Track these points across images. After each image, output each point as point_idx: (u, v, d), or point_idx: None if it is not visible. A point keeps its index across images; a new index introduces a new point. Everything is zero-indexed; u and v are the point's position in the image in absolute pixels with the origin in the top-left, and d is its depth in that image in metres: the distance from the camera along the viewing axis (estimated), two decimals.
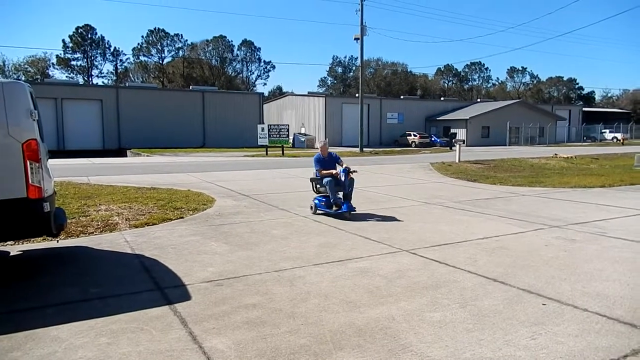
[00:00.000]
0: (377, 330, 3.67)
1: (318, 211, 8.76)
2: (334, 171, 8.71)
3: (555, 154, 25.78)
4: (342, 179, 8.50)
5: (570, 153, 27.01)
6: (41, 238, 6.42)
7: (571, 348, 3.34)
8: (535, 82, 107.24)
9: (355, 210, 8.46)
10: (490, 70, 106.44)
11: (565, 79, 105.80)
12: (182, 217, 8.33)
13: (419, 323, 3.80)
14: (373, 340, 3.49)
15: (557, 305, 4.19)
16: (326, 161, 8.97)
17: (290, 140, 39.89)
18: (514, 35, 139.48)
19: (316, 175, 8.95)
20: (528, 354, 3.27)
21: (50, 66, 79.05)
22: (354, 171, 8.78)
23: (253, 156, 29.34)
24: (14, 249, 6.23)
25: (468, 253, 5.96)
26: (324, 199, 8.73)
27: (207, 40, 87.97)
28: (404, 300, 4.32)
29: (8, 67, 72.63)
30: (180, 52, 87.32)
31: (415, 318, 3.90)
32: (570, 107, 70.42)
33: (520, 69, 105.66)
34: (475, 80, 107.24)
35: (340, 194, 8.62)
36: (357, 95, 43.12)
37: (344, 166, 8.65)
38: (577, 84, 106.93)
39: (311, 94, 59.04)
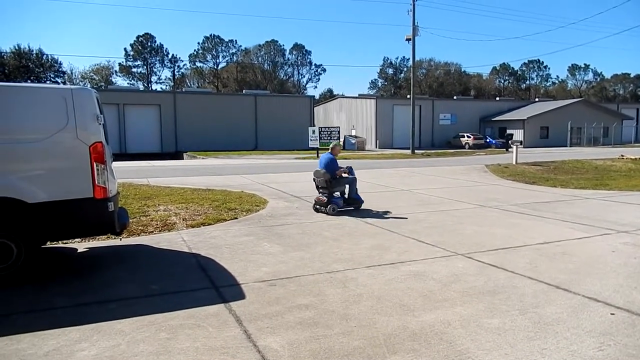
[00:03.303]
0: (432, 335, 3.59)
1: (339, 209, 9.01)
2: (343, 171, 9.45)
3: (622, 155, 24.30)
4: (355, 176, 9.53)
5: (639, 154, 25.36)
6: (105, 236, 6.76)
7: None
8: (598, 79, 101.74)
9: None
10: (549, 68, 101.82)
11: (632, 75, 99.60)
12: (236, 218, 8.51)
13: (476, 329, 3.68)
14: (428, 345, 3.41)
15: (626, 315, 3.93)
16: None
17: (341, 143, 39.92)
18: (575, 31, 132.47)
19: (333, 176, 9.16)
20: None
21: (113, 73, 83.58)
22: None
23: (304, 158, 29.60)
24: (81, 246, 6.60)
25: (527, 258, 5.72)
26: (340, 198, 9.25)
27: (259, 45, 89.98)
28: (459, 305, 4.19)
29: (75, 75, 77.39)
30: (234, 57, 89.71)
31: (472, 324, 3.78)
32: (638, 106, 66.13)
33: (583, 66, 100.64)
34: (533, 79, 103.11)
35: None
36: (408, 96, 42.58)
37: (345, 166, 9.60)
38: None
39: (362, 96, 58.83)
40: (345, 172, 9.38)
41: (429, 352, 3.31)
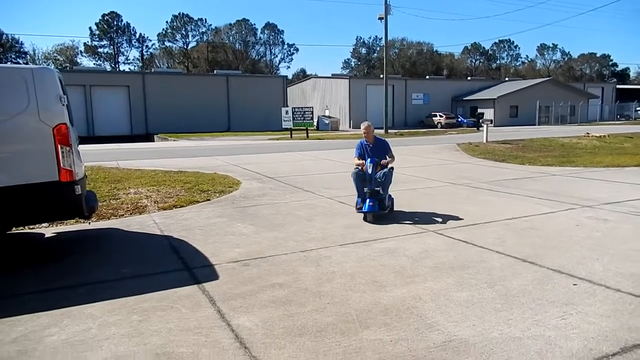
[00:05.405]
0: (403, 309, 3.67)
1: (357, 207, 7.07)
2: (363, 162, 7.13)
3: (587, 133, 25.00)
4: (369, 171, 6.88)
5: (603, 132, 26.13)
6: (74, 220, 6.61)
7: (603, 328, 3.27)
8: (566, 59, 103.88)
9: (384, 212, 6.80)
10: (519, 47, 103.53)
11: (598, 55, 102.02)
12: (209, 200, 8.44)
13: (445, 302, 3.78)
14: (399, 319, 3.48)
15: (588, 285, 4.09)
16: (371, 148, 7.33)
17: (315, 123, 39.81)
18: (544, 10, 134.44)
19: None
20: (558, 333, 3.21)
21: (78, 54, 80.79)
22: (386, 164, 7.10)
23: (278, 139, 29.42)
24: (49, 231, 6.44)
25: (496, 233, 5.87)
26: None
27: (230, 24, 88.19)
28: (430, 280, 4.29)
29: (38, 56, 74.48)
30: (205, 36, 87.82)
31: (442, 298, 3.88)
32: (603, 85, 68.03)
33: (551, 45, 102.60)
34: (503, 58, 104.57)
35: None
36: (381, 76, 42.58)
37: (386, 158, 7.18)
38: (611, 60, 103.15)
39: (335, 76, 58.55)
40: (359, 162, 7.24)
41: (400, 325, 3.38)
